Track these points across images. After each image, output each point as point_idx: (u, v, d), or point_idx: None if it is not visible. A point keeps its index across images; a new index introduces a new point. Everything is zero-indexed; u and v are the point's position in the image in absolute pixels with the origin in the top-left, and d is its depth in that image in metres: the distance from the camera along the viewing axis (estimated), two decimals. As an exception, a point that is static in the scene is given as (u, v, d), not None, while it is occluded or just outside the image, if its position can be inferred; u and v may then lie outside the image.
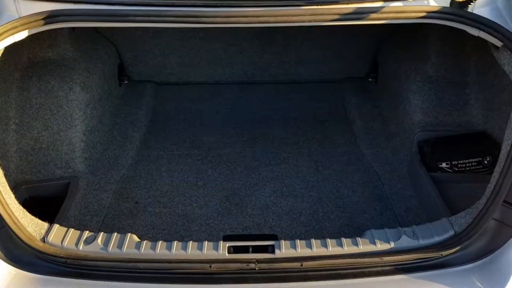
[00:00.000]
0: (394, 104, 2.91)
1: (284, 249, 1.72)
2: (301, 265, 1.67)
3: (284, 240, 1.75)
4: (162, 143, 2.92)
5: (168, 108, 3.26)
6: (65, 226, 2.12)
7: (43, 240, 1.78)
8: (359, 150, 2.83)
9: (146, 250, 1.72)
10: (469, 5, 1.87)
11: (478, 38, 1.90)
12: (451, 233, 1.78)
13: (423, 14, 1.85)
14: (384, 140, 2.84)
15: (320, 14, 1.81)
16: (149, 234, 2.24)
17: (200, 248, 1.72)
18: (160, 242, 1.75)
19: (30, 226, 1.78)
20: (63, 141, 2.56)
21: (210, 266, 1.66)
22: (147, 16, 1.82)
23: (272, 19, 1.81)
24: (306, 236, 2.21)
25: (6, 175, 1.80)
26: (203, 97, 3.37)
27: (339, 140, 2.93)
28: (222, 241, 1.75)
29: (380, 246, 1.73)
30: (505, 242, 1.68)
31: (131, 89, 3.35)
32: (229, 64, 3.35)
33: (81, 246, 1.75)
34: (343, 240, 1.75)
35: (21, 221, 1.73)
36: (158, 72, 3.38)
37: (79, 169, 2.59)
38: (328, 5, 1.82)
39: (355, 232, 2.23)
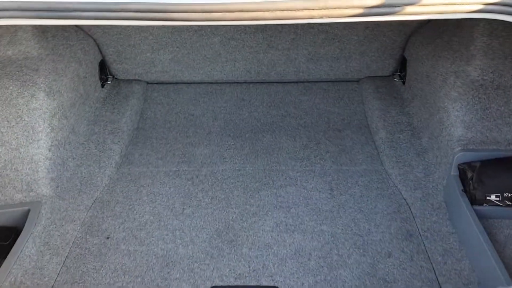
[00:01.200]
0: (427, 112, 2.38)
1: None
2: None
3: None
4: (146, 157, 2.46)
5: (158, 113, 2.79)
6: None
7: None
8: (383, 169, 2.33)
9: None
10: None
11: None
12: (514, 314, 1.29)
13: (480, 6, 1.33)
14: (414, 157, 2.33)
15: (336, 8, 1.30)
16: (118, 283, 1.80)
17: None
18: None
19: None
20: (24, 158, 2.12)
21: None
22: (98, 11, 1.34)
23: (268, 14, 1.31)
24: (316, 290, 1.75)
25: None
26: (198, 99, 2.89)
27: (359, 155, 2.43)
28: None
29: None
30: None
31: (116, 90, 2.88)
32: (229, 61, 2.86)
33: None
34: None
35: None
36: (146, 69, 2.91)
37: (43, 192, 2.15)
38: (346, -6, 1.31)
39: (379, 285, 1.75)
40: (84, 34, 2.66)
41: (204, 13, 1.30)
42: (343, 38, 2.71)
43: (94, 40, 2.72)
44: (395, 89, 2.81)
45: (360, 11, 1.31)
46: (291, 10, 1.30)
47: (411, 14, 1.34)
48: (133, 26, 2.63)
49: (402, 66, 2.82)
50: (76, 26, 2.62)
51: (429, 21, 2.58)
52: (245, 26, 2.64)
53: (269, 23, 1.35)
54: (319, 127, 2.64)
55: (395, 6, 1.31)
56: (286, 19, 1.32)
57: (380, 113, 2.61)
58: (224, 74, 2.93)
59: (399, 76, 2.85)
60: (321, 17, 1.31)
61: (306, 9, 1.29)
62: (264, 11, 1.30)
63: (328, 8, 1.30)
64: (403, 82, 2.79)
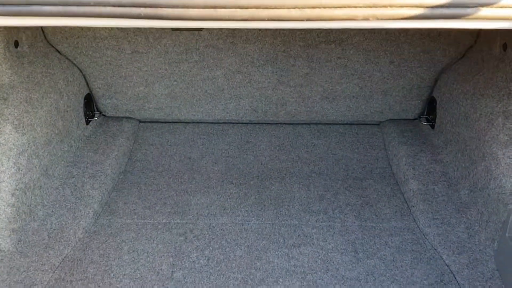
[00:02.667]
0: (466, 159, 2.01)
1: None
2: None
3: None
4: (131, 206, 2.06)
5: (149, 155, 2.42)
6: None
7: None
8: (417, 227, 1.93)
9: None
10: None
11: None
12: None
13: None
14: (453, 213, 1.94)
15: (387, 6, 0.95)
16: None
17: None
18: None
19: None
20: None
21: None
22: (65, 5, 0.99)
23: (295, 13, 0.96)
24: None
25: None
26: (197, 141, 2.52)
27: (386, 210, 2.03)
28: None
29: None
30: None
31: (102, 128, 2.52)
32: (233, 98, 2.52)
33: None
34: None
35: None
36: (139, 106, 2.56)
37: (1, 247, 1.74)
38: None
39: None
40: (68, 63, 2.33)
41: (207, 9, 0.96)
42: (364, 74, 2.38)
43: (81, 70, 2.39)
44: (423, 134, 2.45)
45: (420, 11, 0.96)
46: (326, 8, 0.95)
47: (485, 19, 0.99)
48: (126, 54, 2.29)
49: (430, 108, 2.47)
50: (59, 53, 2.30)
51: (463, 56, 2.26)
52: (252, 57, 2.31)
53: (295, 27, 1.00)
54: (336, 175, 2.27)
55: (467, 7, 0.97)
56: (319, 20, 0.97)
57: (408, 161, 2.23)
58: (227, 112, 2.58)
59: (427, 119, 2.50)
60: (367, 19, 0.97)
61: (347, 7, 0.95)
62: (289, 8, 0.95)
63: (377, 6, 0.95)
64: (432, 126, 2.43)
